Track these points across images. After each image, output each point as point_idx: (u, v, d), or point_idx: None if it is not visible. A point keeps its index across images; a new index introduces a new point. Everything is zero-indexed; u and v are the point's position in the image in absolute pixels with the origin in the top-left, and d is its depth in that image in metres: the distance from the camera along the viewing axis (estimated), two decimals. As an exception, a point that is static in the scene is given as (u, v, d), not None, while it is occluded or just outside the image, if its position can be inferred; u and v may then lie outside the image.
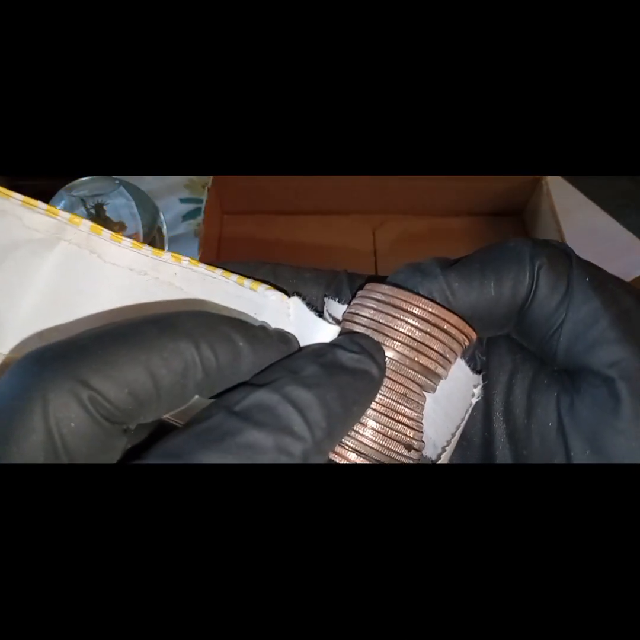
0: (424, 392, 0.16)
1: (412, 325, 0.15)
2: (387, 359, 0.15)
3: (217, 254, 0.59)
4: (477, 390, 0.16)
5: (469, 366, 0.16)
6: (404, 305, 0.15)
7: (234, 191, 0.61)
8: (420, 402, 0.15)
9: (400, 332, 0.15)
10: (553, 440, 0.15)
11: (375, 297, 0.16)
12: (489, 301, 0.15)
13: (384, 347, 0.15)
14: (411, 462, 0.15)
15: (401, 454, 0.15)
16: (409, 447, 0.15)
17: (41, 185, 0.46)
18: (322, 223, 0.62)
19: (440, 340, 0.15)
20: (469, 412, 0.16)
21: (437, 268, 0.16)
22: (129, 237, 0.20)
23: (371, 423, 0.15)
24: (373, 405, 0.15)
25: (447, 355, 0.15)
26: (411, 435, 0.15)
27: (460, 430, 0.16)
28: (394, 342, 0.15)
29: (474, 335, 0.15)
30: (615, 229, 0.71)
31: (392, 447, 0.15)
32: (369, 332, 0.15)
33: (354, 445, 0.15)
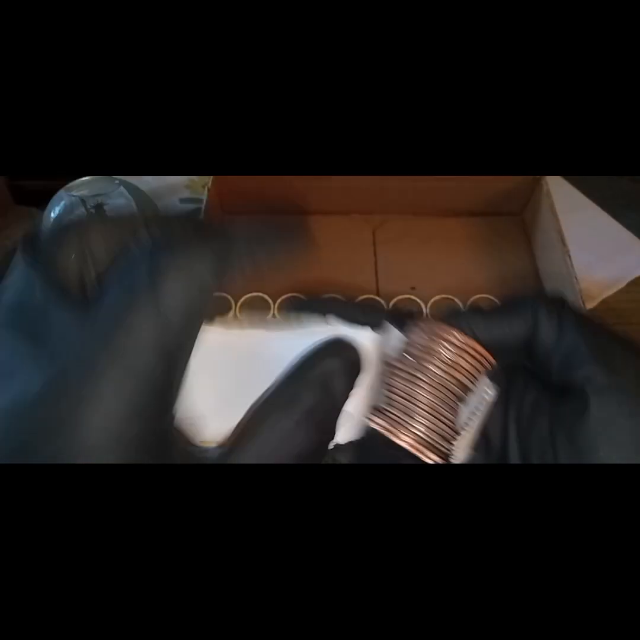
0: (459, 403, 0.21)
1: (448, 348, 0.20)
2: (433, 373, 0.20)
3: (217, 254, 0.59)
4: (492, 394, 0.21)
5: (492, 382, 0.21)
6: (443, 334, 0.20)
7: (234, 191, 0.61)
8: (457, 409, 0.21)
9: (440, 353, 0.20)
10: (545, 437, 0.19)
11: (423, 328, 0.21)
12: (504, 336, 0.20)
13: (429, 363, 0.20)
14: (448, 451, 0.20)
15: (441, 445, 0.20)
16: (447, 441, 0.20)
17: (41, 185, 0.46)
18: (322, 223, 0.62)
19: (468, 361, 0.20)
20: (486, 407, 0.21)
21: (468, 312, 0.21)
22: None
23: (424, 421, 0.20)
24: (426, 408, 0.20)
25: (475, 373, 0.20)
26: (450, 433, 0.20)
27: (476, 420, 0.21)
28: (436, 359, 0.20)
29: (493, 361, 0.21)
30: (615, 229, 0.71)
31: (436, 439, 0.20)
32: (417, 353, 0.20)
33: (409, 435, 0.20)
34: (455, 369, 0.20)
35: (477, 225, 0.63)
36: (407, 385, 0.20)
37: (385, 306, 0.54)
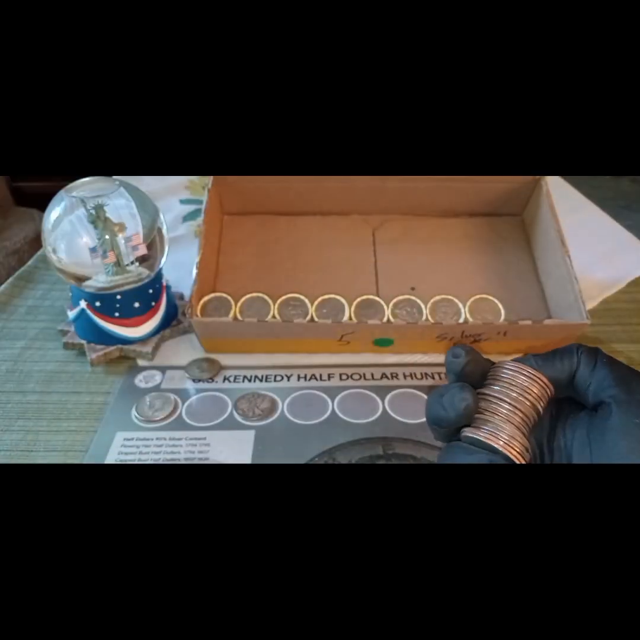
0: (531, 420, 0.28)
1: (524, 378, 0.28)
2: (514, 395, 0.27)
3: (217, 255, 0.59)
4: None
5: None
6: (518, 368, 0.28)
7: (234, 192, 0.61)
8: (529, 424, 0.28)
9: (517, 382, 0.28)
10: (584, 441, 0.27)
11: (503, 365, 0.29)
12: (557, 372, 0.28)
13: (510, 389, 0.28)
14: (523, 452, 0.27)
15: (521, 449, 0.27)
16: (523, 446, 0.27)
17: (41, 185, 0.46)
18: (322, 223, 0.62)
19: (537, 388, 0.28)
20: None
21: (529, 357, 0.29)
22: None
23: (507, 431, 0.27)
24: (508, 422, 0.27)
25: (542, 398, 0.28)
26: (523, 441, 0.27)
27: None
28: (514, 387, 0.28)
29: (553, 388, 0.28)
30: (615, 229, 0.71)
31: (517, 445, 0.26)
32: (505, 384, 0.28)
33: (506, 442, 0.27)
34: (528, 393, 0.27)
35: (477, 225, 0.63)
36: (494, 406, 0.27)
37: (385, 307, 0.54)
